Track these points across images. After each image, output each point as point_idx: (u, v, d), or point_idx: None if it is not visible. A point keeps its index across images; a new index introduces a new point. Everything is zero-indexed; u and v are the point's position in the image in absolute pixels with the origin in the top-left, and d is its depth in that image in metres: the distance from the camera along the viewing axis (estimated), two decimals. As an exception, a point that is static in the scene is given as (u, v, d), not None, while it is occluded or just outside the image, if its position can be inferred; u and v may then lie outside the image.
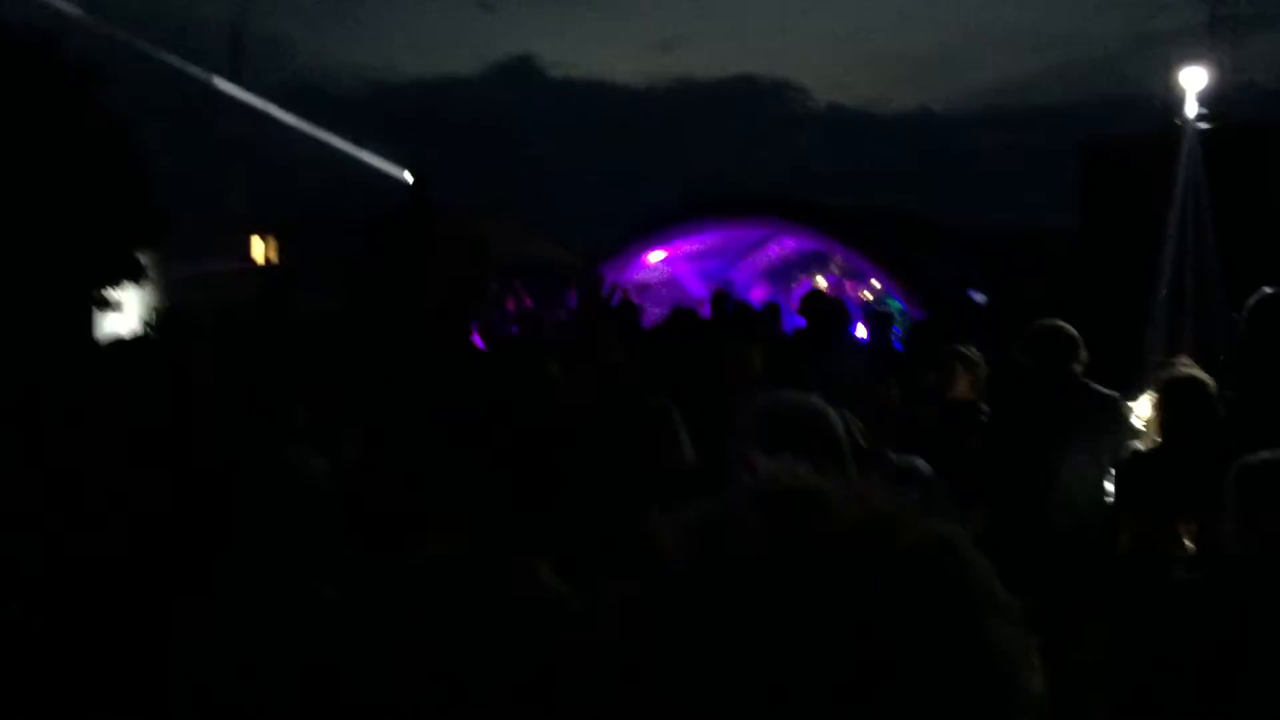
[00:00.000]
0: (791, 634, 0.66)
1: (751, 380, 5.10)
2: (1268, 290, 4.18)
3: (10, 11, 24.40)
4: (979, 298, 9.03)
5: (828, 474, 0.76)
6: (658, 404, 3.59)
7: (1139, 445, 4.33)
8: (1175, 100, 10.36)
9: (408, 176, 16.42)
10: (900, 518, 0.71)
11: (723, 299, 8.40)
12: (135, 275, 25.20)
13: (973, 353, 5.36)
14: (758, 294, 11.05)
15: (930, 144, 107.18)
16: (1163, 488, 3.83)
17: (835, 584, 0.67)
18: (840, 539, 0.69)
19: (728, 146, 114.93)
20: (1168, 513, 3.76)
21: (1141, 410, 4.49)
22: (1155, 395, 4.16)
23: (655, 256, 15.13)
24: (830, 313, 9.68)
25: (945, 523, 0.72)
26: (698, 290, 15.51)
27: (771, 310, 9.03)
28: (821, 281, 14.44)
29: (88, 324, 17.22)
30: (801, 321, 8.14)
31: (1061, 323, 4.71)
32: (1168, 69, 11.30)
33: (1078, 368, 4.63)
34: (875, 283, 13.49)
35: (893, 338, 10.13)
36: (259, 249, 36.17)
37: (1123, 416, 4.57)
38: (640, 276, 15.02)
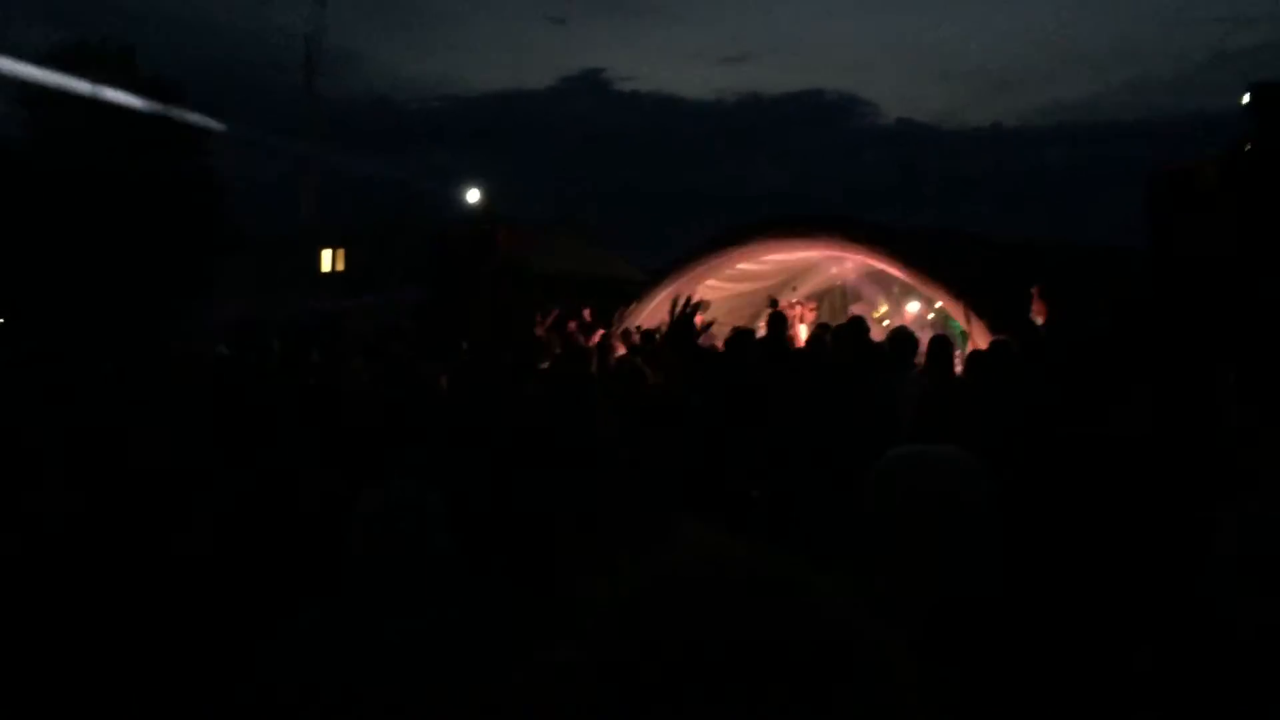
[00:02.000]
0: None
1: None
2: None
3: (90, 24, 25.05)
4: (1039, 320, 8.94)
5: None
6: None
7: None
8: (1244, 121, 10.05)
9: (473, 193, 16.54)
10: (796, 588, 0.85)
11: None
12: (208, 286, 25.68)
13: None
14: (812, 315, 10.94)
15: (1001, 160, 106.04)
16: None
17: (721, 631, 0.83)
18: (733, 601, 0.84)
19: (794, 161, 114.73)
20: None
21: None
22: None
23: (718, 274, 15.08)
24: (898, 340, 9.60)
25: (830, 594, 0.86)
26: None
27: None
28: (882, 305, 14.30)
29: (161, 331, 17.62)
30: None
31: None
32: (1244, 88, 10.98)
33: None
34: (938, 304, 13.33)
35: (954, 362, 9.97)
36: (328, 259, 36.70)
37: None
38: (702, 294, 14.99)
